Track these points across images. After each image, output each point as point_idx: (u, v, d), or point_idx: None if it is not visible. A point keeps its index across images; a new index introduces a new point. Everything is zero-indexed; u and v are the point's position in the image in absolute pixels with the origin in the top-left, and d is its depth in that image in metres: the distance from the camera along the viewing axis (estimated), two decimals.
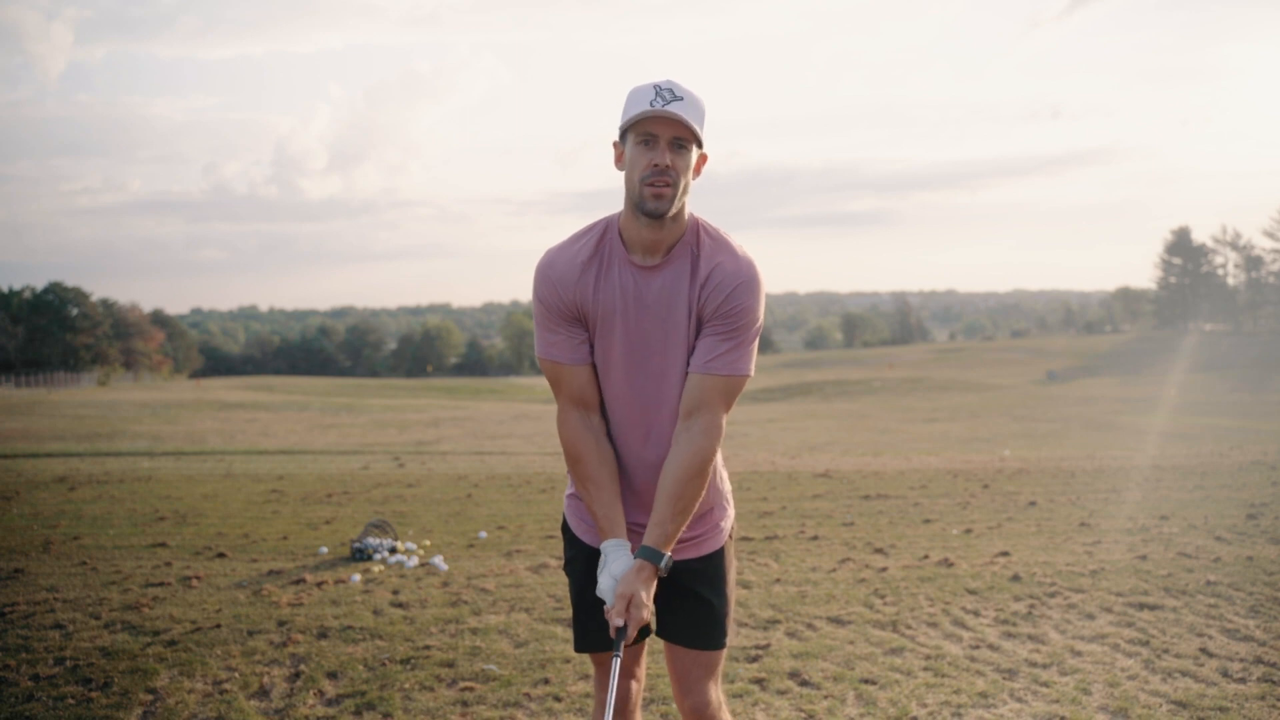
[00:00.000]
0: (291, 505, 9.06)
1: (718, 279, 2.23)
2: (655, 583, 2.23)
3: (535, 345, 2.34)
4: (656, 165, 2.15)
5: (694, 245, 2.26)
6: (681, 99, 2.15)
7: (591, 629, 2.44)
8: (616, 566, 2.23)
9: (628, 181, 2.20)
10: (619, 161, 2.24)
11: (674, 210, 2.18)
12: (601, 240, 2.28)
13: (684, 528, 2.26)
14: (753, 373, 2.29)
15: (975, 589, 5.56)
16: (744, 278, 2.23)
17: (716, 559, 2.43)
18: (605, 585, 2.23)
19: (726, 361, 2.24)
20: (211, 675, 4.10)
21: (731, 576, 2.48)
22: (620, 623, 2.18)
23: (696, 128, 2.16)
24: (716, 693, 2.45)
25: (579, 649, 2.49)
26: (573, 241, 2.30)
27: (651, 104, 2.13)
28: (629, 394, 2.30)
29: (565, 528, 2.53)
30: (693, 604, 2.40)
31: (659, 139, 2.15)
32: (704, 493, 2.31)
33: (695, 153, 2.20)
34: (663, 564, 2.22)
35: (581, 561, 2.45)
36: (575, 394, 2.31)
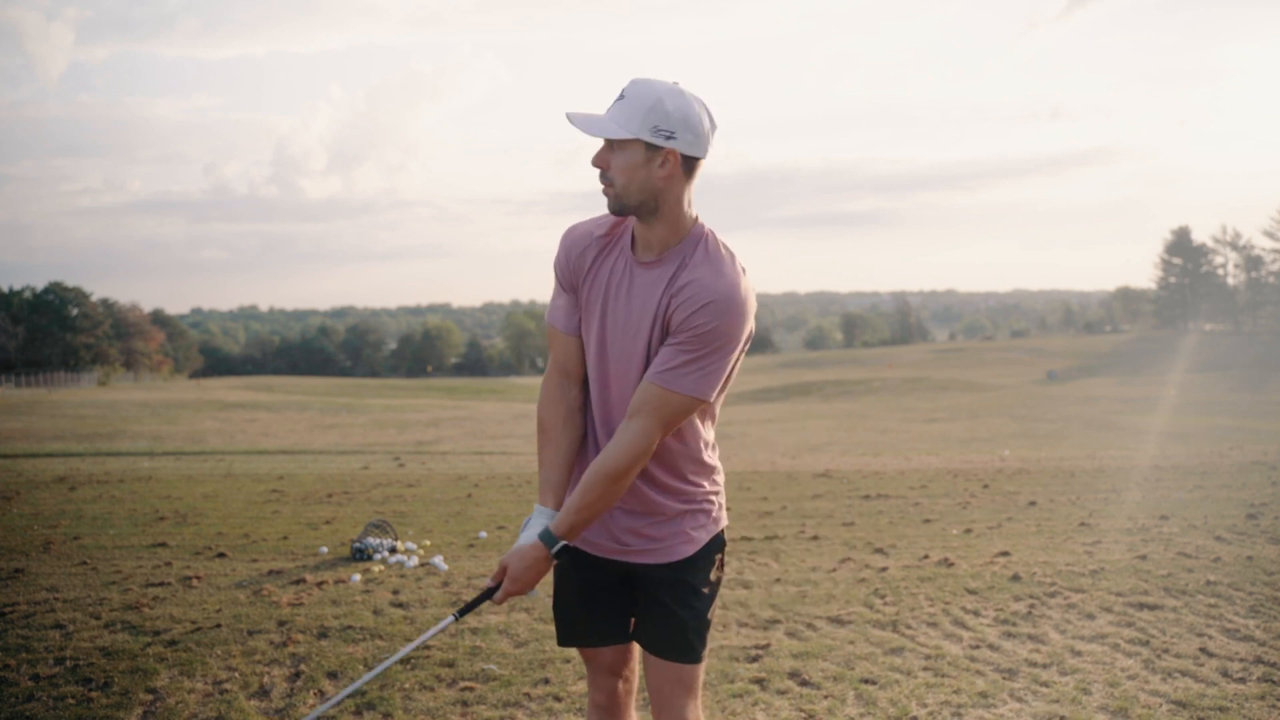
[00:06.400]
0: (291, 505, 9.06)
1: (690, 292, 2.16)
2: (547, 566, 2.25)
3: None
4: (595, 164, 2.20)
5: (689, 254, 2.22)
6: (623, 98, 2.14)
7: (571, 624, 2.46)
8: (525, 535, 2.27)
9: None
10: None
11: (626, 206, 2.19)
12: (618, 225, 2.32)
13: (589, 524, 2.24)
14: (708, 397, 2.19)
15: (975, 589, 5.56)
16: (718, 297, 2.13)
17: (684, 569, 2.33)
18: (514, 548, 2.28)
19: (674, 375, 2.15)
20: (211, 675, 4.10)
21: (708, 590, 2.36)
22: (490, 583, 2.25)
23: (609, 130, 2.13)
24: (695, 712, 2.35)
25: (560, 643, 2.51)
26: (597, 218, 2.35)
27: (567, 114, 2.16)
28: (596, 378, 2.33)
29: None
30: (659, 613, 2.34)
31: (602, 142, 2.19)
32: (668, 497, 2.32)
33: (642, 150, 2.13)
34: (553, 551, 2.23)
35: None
36: (561, 360, 2.37)
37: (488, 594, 2.26)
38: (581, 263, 2.31)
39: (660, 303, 2.21)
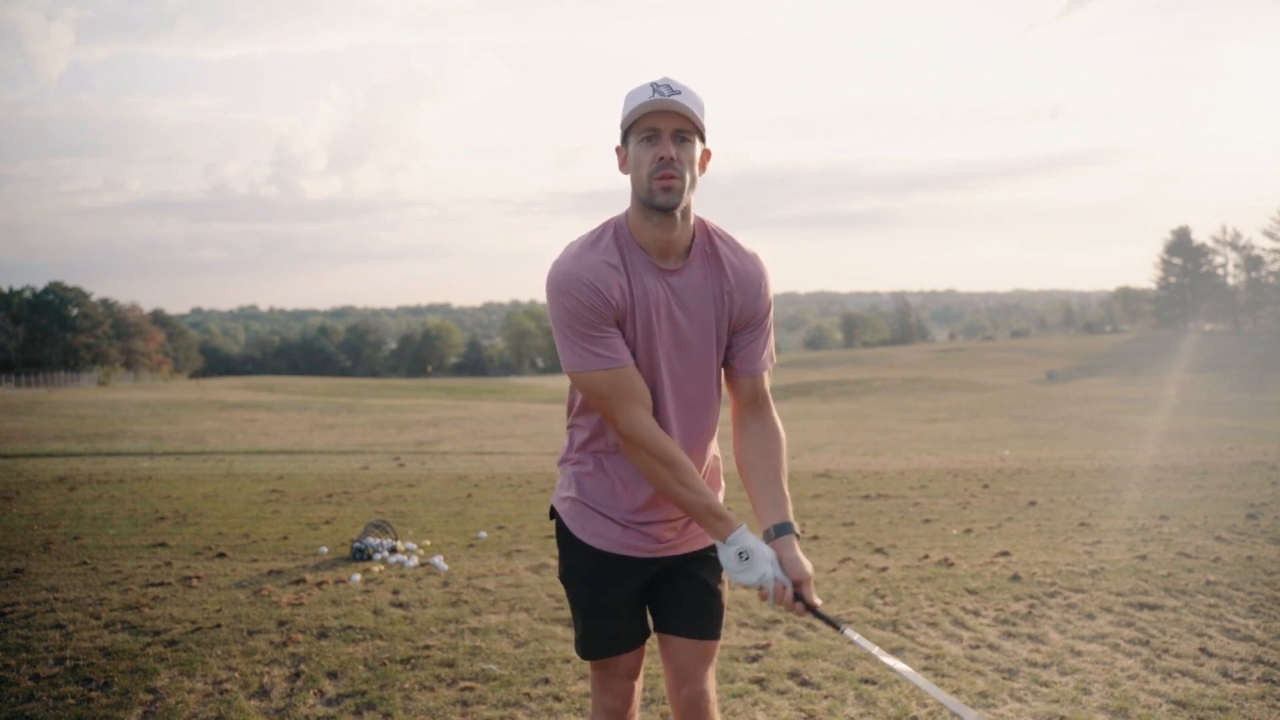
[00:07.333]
0: (291, 505, 9.06)
1: (746, 285, 2.29)
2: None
3: (570, 363, 2.20)
4: (662, 158, 2.13)
5: (707, 245, 2.27)
6: (679, 92, 2.15)
7: (607, 637, 2.41)
8: (762, 550, 2.18)
9: (634, 181, 2.18)
10: (623, 165, 2.21)
11: (684, 203, 2.16)
12: (618, 243, 2.22)
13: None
14: None
15: (975, 589, 5.56)
16: (759, 271, 2.32)
17: (712, 549, 2.42)
18: (766, 572, 2.16)
19: (768, 356, 2.37)
20: (211, 675, 4.10)
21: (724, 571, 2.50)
22: (819, 602, 2.20)
23: (698, 119, 2.15)
24: (713, 684, 2.46)
25: (588, 656, 2.44)
26: (590, 246, 2.22)
27: (650, 98, 2.14)
28: (672, 394, 2.30)
29: (564, 535, 2.42)
30: (700, 593, 2.40)
31: (661, 133, 2.14)
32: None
33: (699, 146, 2.19)
34: (797, 530, 2.27)
35: (586, 569, 2.39)
36: (638, 394, 2.21)
37: (818, 609, 2.18)
38: (620, 294, 2.19)
39: (720, 303, 2.28)
